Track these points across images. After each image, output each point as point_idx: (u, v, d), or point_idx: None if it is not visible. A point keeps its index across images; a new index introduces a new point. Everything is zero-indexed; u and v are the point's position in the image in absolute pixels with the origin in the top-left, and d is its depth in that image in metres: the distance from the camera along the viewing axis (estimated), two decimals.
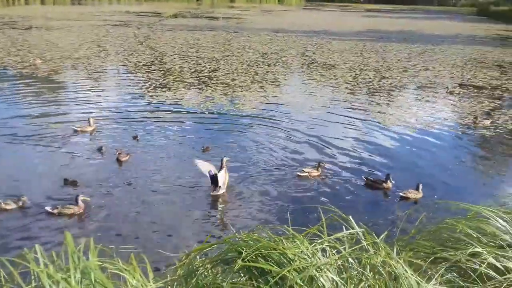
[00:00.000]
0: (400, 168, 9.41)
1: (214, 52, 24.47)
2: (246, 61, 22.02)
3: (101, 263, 2.99)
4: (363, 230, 2.92)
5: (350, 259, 2.74)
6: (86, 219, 6.91)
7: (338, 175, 8.87)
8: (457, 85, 17.98)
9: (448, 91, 16.38)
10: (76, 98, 14.23)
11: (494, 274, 3.09)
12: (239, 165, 9.16)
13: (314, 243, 2.89)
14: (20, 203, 7.05)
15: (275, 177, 8.66)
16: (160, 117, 12.28)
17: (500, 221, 3.37)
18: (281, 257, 2.66)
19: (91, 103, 13.61)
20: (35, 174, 8.42)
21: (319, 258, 2.67)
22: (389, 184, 8.23)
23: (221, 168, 7.81)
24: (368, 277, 2.69)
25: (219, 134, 11.23)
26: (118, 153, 9.10)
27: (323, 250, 2.91)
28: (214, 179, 7.68)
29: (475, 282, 3.10)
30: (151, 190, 7.93)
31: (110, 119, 12.00)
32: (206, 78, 17.57)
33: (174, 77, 17.61)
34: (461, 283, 3.12)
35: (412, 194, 7.97)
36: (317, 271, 2.55)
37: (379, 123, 12.56)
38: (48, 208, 6.96)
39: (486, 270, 3.06)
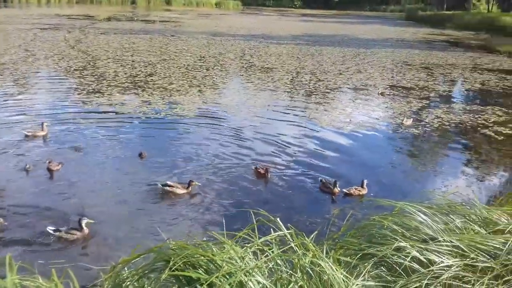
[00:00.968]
0: (335, 166, 9.68)
1: (150, 55, 23.97)
2: (184, 64, 21.77)
3: (20, 281, 2.81)
4: (291, 231, 2.94)
5: (279, 261, 2.75)
6: (6, 235, 6.46)
7: (280, 177, 8.95)
8: (388, 86, 18.83)
9: (380, 92, 17.11)
10: (4, 104, 13.39)
11: (418, 267, 3.23)
12: (176, 170, 9.02)
13: (245, 247, 2.88)
14: None
15: (213, 181, 8.59)
16: (93, 124, 11.80)
17: (422, 215, 3.53)
18: (210, 263, 2.62)
19: (18, 110, 12.85)
20: None
21: (247, 262, 2.66)
22: (336, 190, 8.25)
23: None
24: (298, 278, 2.70)
25: (157, 139, 11.00)
26: (49, 162, 8.63)
27: (254, 253, 2.90)
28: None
29: (401, 276, 3.22)
30: (81, 199, 7.59)
31: (36, 127, 11.35)
32: (142, 83, 17.16)
33: (109, 81, 17.03)
34: (388, 277, 3.23)
35: (356, 191, 8.20)
36: (245, 275, 2.53)
37: (315, 124, 12.86)
38: (50, 229, 6.37)
39: (410, 264, 3.19)
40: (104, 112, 13.01)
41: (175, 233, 6.38)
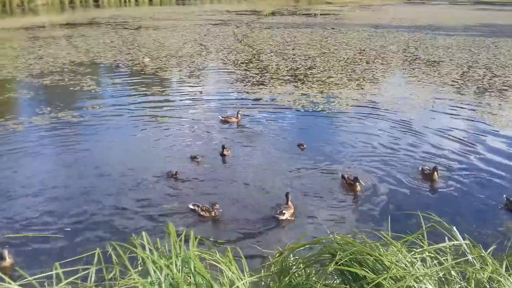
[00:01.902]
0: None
1: (310, 49, 24.35)
2: (343, 58, 21.60)
3: (200, 253, 3.13)
4: (468, 242, 2.72)
5: (453, 272, 2.57)
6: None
7: (447, 179, 8.35)
8: None
9: None
10: (181, 91, 15.10)
11: None
12: (331, 164, 9.06)
13: (413, 252, 2.76)
14: (213, 213, 7.07)
15: (372, 179, 8.41)
16: (257, 114, 12.53)
17: None
18: (377, 263, 2.57)
19: (193, 98, 14.34)
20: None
21: (418, 268, 2.54)
22: None
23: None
24: None
25: (315, 131, 11.19)
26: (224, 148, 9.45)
27: (423, 259, 2.77)
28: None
29: None
30: (250, 184, 8.15)
31: (209, 113, 12.52)
32: (302, 76, 17.56)
33: (271, 74, 17.85)
34: None
35: None
36: (415, 281, 2.43)
37: (489, 125, 11.60)
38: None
39: None
40: (266, 103, 13.69)
41: (334, 228, 6.44)
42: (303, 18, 45.31)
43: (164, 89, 15.77)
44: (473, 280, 2.58)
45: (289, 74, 17.86)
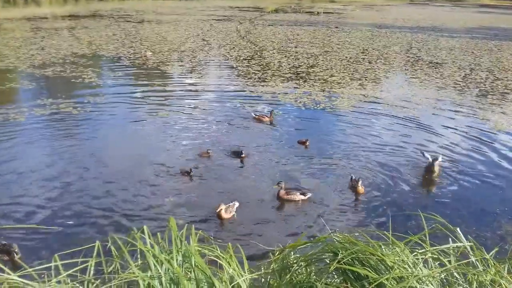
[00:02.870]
0: None
1: (313, 47, 24.31)
2: (346, 57, 21.56)
3: (200, 249, 3.12)
4: (471, 244, 2.71)
5: (455, 274, 2.56)
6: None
7: (446, 182, 8.35)
8: None
9: None
10: (182, 86, 15.05)
11: None
12: (334, 163, 9.05)
13: (415, 253, 2.75)
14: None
15: (370, 179, 8.41)
16: (259, 110, 12.52)
17: None
18: (379, 263, 2.56)
19: (194, 93, 14.30)
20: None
21: (420, 269, 2.53)
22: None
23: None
24: None
25: (315, 129, 11.16)
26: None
27: (425, 261, 2.75)
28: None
29: None
30: (251, 181, 8.14)
31: (209, 110, 12.50)
32: (304, 74, 17.53)
33: (273, 71, 17.82)
34: None
35: None
36: (418, 282, 2.42)
37: (490, 127, 11.59)
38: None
39: None
40: (267, 101, 13.66)
41: (335, 227, 6.43)
42: (306, 16, 45.17)
43: (165, 83, 15.72)
44: (475, 282, 2.57)
45: (291, 72, 17.82)
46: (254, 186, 8.04)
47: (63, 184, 7.91)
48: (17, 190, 7.64)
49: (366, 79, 16.90)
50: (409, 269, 2.52)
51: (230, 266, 2.96)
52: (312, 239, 3.15)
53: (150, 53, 20.46)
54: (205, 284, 2.77)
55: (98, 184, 7.95)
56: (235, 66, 18.89)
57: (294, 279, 2.78)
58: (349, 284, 2.61)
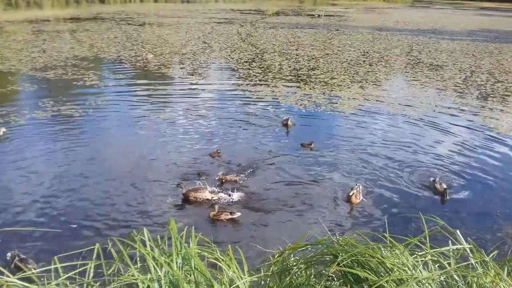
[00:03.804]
0: None
1: (314, 50, 24.33)
2: (346, 59, 21.58)
3: (200, 251, 3.11)
4: (471, 246, 2.70)
5: (455, 276, 2.56)
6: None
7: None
8: None
9: None
10: (182, 91, 15.08)
11: None
12: (336, 165, 9.05)
13: (415, 255, 2.74)
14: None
15: (371, 181, 8.40)
16: (258, 114, 12.52)
17: None
18: (379, 266, 2.56)
19: (194, 97, 14.31)
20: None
21: (420, 271, 2.52)
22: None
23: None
24: None
25: (316, 132, 11.16)
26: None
27: (425, 263, 2.75)
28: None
29: None
30: (253, 184, 8.14)
31: (211, 113, 12.51)
32: (305, 76, 17.54)
33: (274, 74, 17.83)
34: None
35: None
36: (417, 285, 2.41)
37: (490, 130, 11.59)
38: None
39: None
40: (268, 103, 13.67)
41: (335, 229, 6.42)
42: (307, 18, 45.25)
43: (166, 86, 15.75)
44: (475, 285, 2.57)
45: (292, 74, 17.83)
46: (256, 189, 8.03)
47: (63, 186, 7.91)
48: (16, 192, 7.64)
49: (366, 82, 16.91)
50: (409, 272, 2.51)
51: (230, 268, 2.95)
52: (313, 241, 3.14)
53: (152, 55, 20.50)
54: (205, 286, 2.77)
55: (99, 186, 7.94)
56: (236, 68, 18.91)
57: (293, 281, 2.77)
58: (348, 286, 2.61)
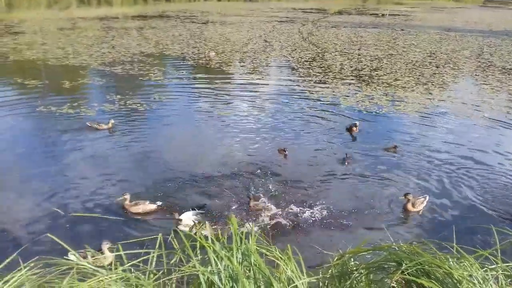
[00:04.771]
0: None
1: (377, 50, 23.72)
2: (412, 60, 20.84)
3: (259, 248, 3.13)
4: None
5: None
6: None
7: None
8: None
9: None
10: (244, 87, 15.26)
11: None
12: (395, 172, 8.79)
13: (485, 268, 2.60)
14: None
15: (434, 189, 8.07)
16: (317, 114, 12.40)
17: None
18: (446, 277, 2.45)
19: (254, 94, 14.42)
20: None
21: (491, 286, 2.39)
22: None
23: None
24: None
25: (375, 135, 10.89)
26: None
27: (496, 278, 2.60)
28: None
29: None
30: (309, 187, 8.09)
31: (270, 111, 12.55)
32: (367, 77, 17.14)
33: (334, 74, 17.58)
34: None
35: None
36: None
37: None
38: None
39: None
40: (328, 101, 13.50)
41: (397, 237, 6.24)
42: (370, 18, 44.19)
43: (227, 83, 15.99)
44: None
45: (353, 75, 17.49)
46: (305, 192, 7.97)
47: (127, 175, 8.27)
48: (81, 180, 8.06)
49: (432, 84, 16.25)
50: (478, 285, 2.38)
51: (288, 267, 2.95)
52: (373, 246, 3.06)
53: (214, 53, 20.88)
54: (263, 283, 2.78)
55: (159, 179, 8.20)
56: (296, 67, 18.83)
57: (354, 286, 2.72)
58: None
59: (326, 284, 3.03)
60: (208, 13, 43.72)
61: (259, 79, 16.84)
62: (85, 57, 19.56)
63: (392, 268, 2.66)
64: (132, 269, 3.17)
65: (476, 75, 18.49)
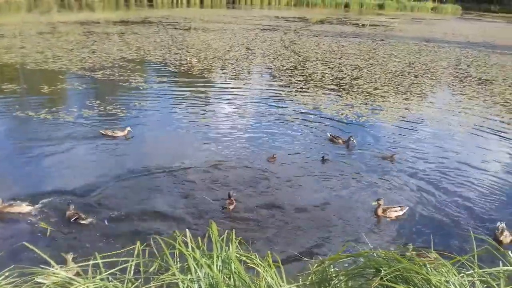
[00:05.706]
0: None
1: (357, 59, 24.04)
2: (391, 70, 21.19)
3: (239, 255, 3.12)
4: None
5: None
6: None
7: (485, 207, 8.02)
8: None
9: None
10: (223, 94, 15.25)
11: None
12: (374, 177, 8.89)
13: (462, 274, 2.64)
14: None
15: (413, 196, 8.19)
16: (298, 122, 12.48)
17: None
18: (424, 283, 2.47)
19: (235, 103, 14.42)
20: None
21: None
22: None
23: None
24: None
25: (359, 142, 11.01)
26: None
27: (472, 283, 2.64)
28: None
29: None
30: (289, 199, 8.11)
31: (250, 119, 12.57)
32: (347, 86, 17.35)
33: (315, 82, 17.73)
34: None
35: None
36: None
37: None
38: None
39: None
40: (308, 110, 13.60)
41: (376, 242, 6.29)
42: (352, 27, 44.78)
43: (208, 90, 15.96)
44: None
45: (334, 83, 17.68)
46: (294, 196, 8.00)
47: (109, 181, 8.15)
48: (62, 184, 7.92)
49: (411, 93, 16.53)
50: None
51: (268, 274, 2.94)
52: (354, 253, 3.08)
53: (196, 60, 20.85)
54: None
55: (141, 185, 8.12)
56: (278, 75, 18.94)
57: None
58: None
59: None
60: (190, 20, 43.66)
61: (241, 86, 16.87)
62: (65, 61, 19.29)
63: (371, 275, 2.68)
64: (110, 277, 3.11)
65: (453, 85, 18.89)
